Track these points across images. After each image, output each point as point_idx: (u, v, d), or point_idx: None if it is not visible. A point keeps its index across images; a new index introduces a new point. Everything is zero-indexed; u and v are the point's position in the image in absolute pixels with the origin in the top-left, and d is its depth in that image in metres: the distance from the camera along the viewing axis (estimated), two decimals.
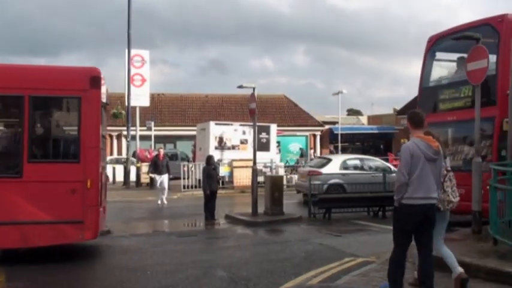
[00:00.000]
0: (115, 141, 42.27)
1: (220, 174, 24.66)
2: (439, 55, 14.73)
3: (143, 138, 31.45)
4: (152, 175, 20.65)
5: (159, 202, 18.75)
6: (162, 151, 19.73)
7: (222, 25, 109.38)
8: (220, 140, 26.30)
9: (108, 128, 41.50)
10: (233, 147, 26.56)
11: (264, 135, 27.03)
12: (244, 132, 26.88)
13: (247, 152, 24.89)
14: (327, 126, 45.60)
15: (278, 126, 32.14)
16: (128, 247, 10.92)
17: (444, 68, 14.77)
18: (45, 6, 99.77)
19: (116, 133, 41.98)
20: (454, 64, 14.09)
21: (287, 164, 31.07)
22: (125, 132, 31.23)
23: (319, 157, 23.33)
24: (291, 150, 41.07)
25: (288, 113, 45.88)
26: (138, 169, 26.83)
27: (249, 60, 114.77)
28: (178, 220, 15.32)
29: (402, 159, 6.01)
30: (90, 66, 9.94)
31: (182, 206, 18.49)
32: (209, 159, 15.64)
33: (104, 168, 11.01)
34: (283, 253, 10.06)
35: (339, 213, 15.19)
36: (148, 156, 27.33)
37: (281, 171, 25.59)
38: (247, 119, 25.30)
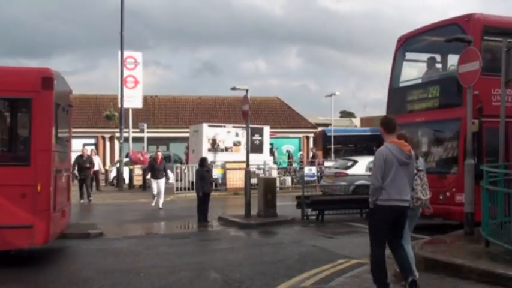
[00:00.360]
0: (108, 143, 42.16)
1: (213, 176, 24.68)
2: (409, 55, 14.59)
3: (136, 140, 31.36)
4: (148, 179, 19.80)
5: (153, 204, 18.14)
6: (160, 154, 18.74)
7: (215, 27, 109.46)
8: (213, 142, 26.28)
9: (101, 130, 41.63)
10: (226, 149, 26.54)
11: (257, 137, 27.03)
12: (237, 134, 26.87)
13: (240, 154, 24.89)
14: (320, 128, 45.67)
15: (271, 128, 32.17)
16: (121, 249, 10.88)
17: (414, 68, 14.63)
18: (37, 8, 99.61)
19: (108, 135, 41.89)
20: (424, 64, 13.98)
21: (280, 166, 31.07)
22: (117, 134, 31.14)
23: (344, 158, 23.28)
24: (284, 153, 41.06)
25: (281, 115, 45.92)
26: (131, 171, 26.75)
27: (242, 62, 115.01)
28: (171, 222, 15.29)
29: (376, 164, 6.32)
30: (42, 67, 9.65)
31: (175, 208, 18.46)
32: (203, 161, 15.54)
33: (64, 171, 10.54)
34: (276, 255, 10.06)
35: (332, 215, 15.22)
36: (141, 158, 27.24)
37: (274, 173, 25.59)
38: (241, 121, 25.30)
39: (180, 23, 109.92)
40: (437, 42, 13.99)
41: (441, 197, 11.78)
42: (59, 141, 9.93)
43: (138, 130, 32.03)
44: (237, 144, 26.77)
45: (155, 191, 18.03)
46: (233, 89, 16.29)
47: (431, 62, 13.77)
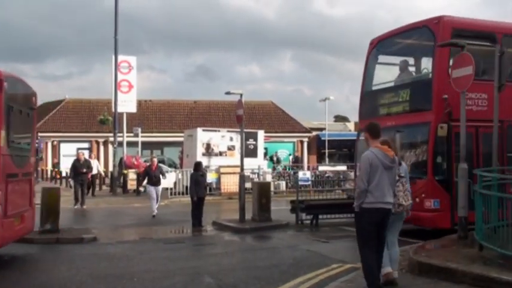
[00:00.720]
0: (102, 148, 42.06)
1: (207, 181, 24.64)
2: (382, 58, 14.45)
3: (130, 144, 31.30)
4: (144, 186, 18.73)
5: (154, 213, 17.01)
6: (155, 160, 17.93)
7: (209, 31, 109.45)
8: (208, 147, 26.26)
9: (95, 134, 41.55)
10: (220, 154, 26.53)
11: (251, 141, 27.04)
12: (231, 139, 26.87)
13: (234, 159, 24.88)
14: (314, 133, 45.74)
15: (265, 132, 32.19)
16: (114, 254, 10.84)
17: (387, 71, 14.43)
18: (31, 12, 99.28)
19: (102, 139, 41.80)
20: (397, 68, 13.78)
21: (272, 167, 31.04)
22: (111, 139, 31.06)
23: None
24: (278, 157, 41.08)
25: (276, 120, 45.97)
26: (125, 176, 26.67)
27: (236, 66, 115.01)
28: (165, 227, 15.24)
29: (362, 168, 6.57)
30: None
31: (169, 212, 18.41)
32: (197, 165, 15.50)
33: (22, 175, 10.22)
34: (271, 260, 10.05)
35: (326, 219, 15.21)
36: (135, 163, 27.17)
37: (268, 178, 25.59)
38: (235, 126, 25.30)
39: (174, 27, 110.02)
40: (410, 44, 13.96)
41: None
42: (13, 145, 9.66)
43: (132, 134, 31.96)
44: (231, 148, 26.77)
45: (153, 195, 17.17)
46: (227, 93, 16.30)
47: (403, 65, 13.59)
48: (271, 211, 15.10)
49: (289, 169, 32.69)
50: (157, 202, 17.34)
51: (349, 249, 11.17)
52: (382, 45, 13.91)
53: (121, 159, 28.32)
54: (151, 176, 17.23)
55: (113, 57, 28.03)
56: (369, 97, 14.00)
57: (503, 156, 11.64)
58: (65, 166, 38.08)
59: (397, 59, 14.02)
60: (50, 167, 38.63)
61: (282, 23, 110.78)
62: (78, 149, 41.81)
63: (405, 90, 12.70)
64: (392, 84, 13.59)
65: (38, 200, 12.21)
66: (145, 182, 18.10)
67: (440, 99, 11.49)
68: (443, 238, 9.77)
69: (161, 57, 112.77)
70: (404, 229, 7.89)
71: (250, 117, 41.01)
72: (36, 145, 39.23)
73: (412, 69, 13.71)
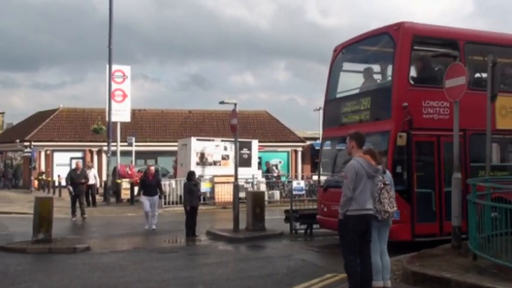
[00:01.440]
0: (95, 157, 41.94)
1: (201, 190, 24.58)
2: (346, 66, 14.10)
3: (124, 153, 31.24)
4: (140, 197, 17.10)
5: (147, 227, 15.98)
6: (152, 169, 16.69)
7: (203, 40, 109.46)
8: (202, 156, 26.23)
9: (89, 143, 41.45)
10: (214, 163, 26.50)
11: (245, 150, 27.04)
12: (225, 148, 26.86)
13: (228, 168, 24.86)
14: (308, 142, 45.77)
15: (259, 142, 32.20)
16: (108, 264, 10.78)
17: (351, 79, 14.00)
18: (24, 21, 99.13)
19: (96, 149, 41.69)
20: (361, 75, 13.33)
21: (268, 180, 31.00)
22: (105, 148, 31.00)
23: None
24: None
25: (270, 129, 46.02)
26: (119, 185, 26.60)
27: (230, 75, 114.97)
28: (159, 236, 15.19)
29: (349, 177, 6.79)
30: None
31: (163, 222, 18.33)
32: (190, 175, 15.29)
33: None
34: (265, 269, 10.02)
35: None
36: (129, 172, 27.11)
37: (263, 187, 25.57)
38: (229, 135, 25.31)
39: (167, 37, 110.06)
40: (374, 51, 13.70)
41: None
42: None
43: (126, 144, 31.92)
44: (225, 158, 26.75)
45: (147, 207, 15.89)
46: (222, 102, 16.31)
47: (367, 73, 13.20)
48: (265, 220, 15.08)
49: (285, 178, 32.64)
50: (154, 214, 16.11)
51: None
52: (346, 52, 13.55)
53: (115, 168, 28.26)
54: (146, 185, 16.15)
55: (107, 66, 28.05)
56: (332, 105, 13.61)
57: (467, 165, 11.52)
58: (59, 175, 38.07)
59: (362, 67, 13.64)
60: (43, 176, 38.41)
61: (275, 33, 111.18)
62: (72, 158, 42.07)
63: (366, 98, 12.38)
64: (354, 92, 13.21)
65: (31, 209, 12.19)
66: (140, 192, 16.57)
67: (399, 107, 11.17)
68: (437, 248, 9.77)
69: (155, 67, 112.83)
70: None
71: (244, 127, 41.03)
72: (30, 154, 39.48)
73: (378, 76, 13.33)
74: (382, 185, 7.23)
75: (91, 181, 22.42)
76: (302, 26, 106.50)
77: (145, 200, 15.96)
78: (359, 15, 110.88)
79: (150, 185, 16.17)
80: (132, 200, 24.45)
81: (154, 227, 15.88)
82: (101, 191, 28.70)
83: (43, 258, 11.41)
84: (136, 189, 26.29)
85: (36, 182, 38.96)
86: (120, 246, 13.59)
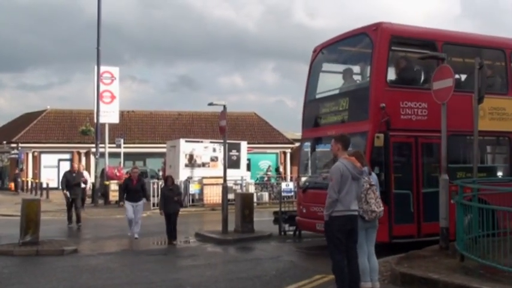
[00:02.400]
0: (83, 159, 41.75)
1: (190, 192, 24.56)
2: (326, 66, 13.99)
3: (112, 155, 31.12)
4: (123, 203, 15.94)
5: (129, 234, 14.71)
6: (136, 172, 15.18)
7: (190, 42, 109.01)
8: (191, 158, 26.20)
9: (77, 145, 41.27)
10: (203, 165, 26.48)
11: (234, 152, 27.04)
12: (214, 150, 26.85)
13: (217, 169, 24.83)
14: (297, 144, 45.85)
15: (248, 143, 32.22)
16: (96, 266, 10.73)
17: (330, 80, 13.86)
18: (11, 22, 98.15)
19: (84, 150, 41.52)
20: (340, 76, 13.19)
21: (257, 182, 31.09)
22: (93, 150, 30.87)
23: None
24: (261, 168, 41.12)
25: (259, 131, 46.09)
26: (107, 187, 26.49)
27: (218, 76, 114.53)
28: (147, 238, 15.11)
29: (334, 178, 6.91)
30: None
31: (151, 224, 18.27)
32: (166, 179, 14.65)
33: None
34: (254, 271, 10.02)
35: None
36: (118, 174, 27.00)
37: (251, 189, 25.58)
38: (218, 137, 25.29)
39: (155, 38, 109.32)
40: (353, 52, 13.65)
41: None
42: None
43: (114, 145, 31.79)
44: (214, 159, 26.74)
45: (130, 214, 14.45)
46: (211, 104, 16.28)
47: (347, 74, 13.07)
48: (254, 222, 15.08)
49: (275, 180, 32.68)
50: (137, 222, 14.65)
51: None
52: (326, 52, 13.46)
53: (103, 170, 28.14)
54: (130, 190, 14.65)
55: (95, 67, 27.94)
56: (312, 106, 13.51)
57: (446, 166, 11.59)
58: (46, 177, 37.90)
59: (341, 67, 13.50)
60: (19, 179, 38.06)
61: (262, 34, 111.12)
62: (60, 160, 41.86)
63: (344, 99, 12.32)
64: (333, 93, 13.12)
65: (18, 211, 12.10)
66: (123, 197, 15.53)
67: (377, 108, 11.12)
68: (424, 249, 9.83)
69: (142, 68, 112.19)
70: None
71: (233, 128, 41.02)
72: (17, 156, 39.20)
73: (358, 77, 13.21)
74: (368, 186, 7.38)
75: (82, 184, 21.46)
76: (290, 27, 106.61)
77: (128, 206, 14.51)
78: (347, 17, 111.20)
79: (134, 190, 14.64)
80: (120, 202, 24.34)
81: (136, 236, 14.32)
82: (89, 192, 28.55)
83: (30, 261, 11.33)
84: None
85: (12, 184, 38.72)
86: (108, 248, 13.53)
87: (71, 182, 17.83)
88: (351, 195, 6.93)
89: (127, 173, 24.15)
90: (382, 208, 7.56)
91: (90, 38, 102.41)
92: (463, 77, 13.13)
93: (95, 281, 9.30)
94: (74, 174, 18.31)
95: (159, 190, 23.14)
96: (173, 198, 13.89)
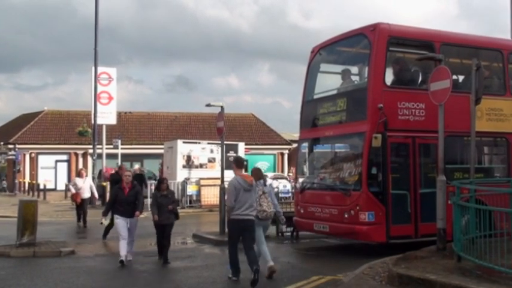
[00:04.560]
0: (80, 160, 41.70)
1: (188, 193, 24.54)
2: (324, 67, 13.97)
3: (110, 156, 31.07)
4: (105, 221, 12.84)
5: (122, 256, 10.81)
6: (129, 175, 11.76)
7: (186, 42, 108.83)
8: (188, 159, 26.19)
9: (74, 146, 41.22)
10: (201, 166, 26.47)
11: (232, 153, 27.00)
12: (212, 151, 26.85)
13: (215, 171, 24.83)
14: (294, 145, 45.86)
15: (246, 144, 32.22)
16: (93, 268, 10.71)
17: (328, 80, 13.85)
18: (5, 22, 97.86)
19: (81, 151, 41.47)
20: (339, 76, 13.21)
21: None
22: (90, 151, 30.84)
23: None
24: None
25: (256, 132, 46.09)
26: (104, 188, 26.44)
27: (214, 78, 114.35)
28: (144, 239, 15.05)
29: (230, 191, 9.06)
30: None
31: (149, 225, 18.17)
32: (159, 183, 11.68)
33: None
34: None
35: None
36: None
37: None
38: (215, 138, 25.27)
39: (150, 38, 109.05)
40: (351, 53, 13.67)
41: (346, 216, 11.34)
42: None
43: (111, 146, 31.75)
44: (211, 160, 26.74)
45: (124, 233, 11.05)
46: (208, 105, 16.29)
47: (345, 74, 13.08)
48: None
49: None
50: (132, 240, 11.40)
51: (329, 261, 11.22)
52: (324, 53, 13.47)
53: (100, 171, 28.11)
54: (122, 201, 11.19)
55: (93, 68, 27.90)
56: (310, 106, 13.51)
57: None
58: (43, 178, 37.84)
59: (339, 68, 13.48)
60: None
61: (257, 35, 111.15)
62: (57, 161, 41.80)
63: (342, 99, 12.35)
64: (331, 93, 13.14)
65: (15, 212, 12.06)
66: (107, 212, 11.72)
67: (375, 108, 11.15)
68: (422, 250, 9.84)
69: (138, 68, 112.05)
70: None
71: (230, 130, 41.03)
72: (14, 157, 39.16)
73: (356, 78, 13.23)
74: (261, 193, 9.58)
75: (86, 194, 17.81)
76: (285, 28, 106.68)
77: (120, 222, 11.13)
78: (342, 18, 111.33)
79: (126, 201, 11.19)
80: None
81: (130, 257, 11.14)
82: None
83: (27, 262, 11.30)
84: None
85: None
86: (105, 250, 13.50)
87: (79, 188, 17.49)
88: (244, 203, 8.93)
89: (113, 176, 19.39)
90: (272, 210, 9.71)
91: (85, 38, 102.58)
92: (461, 77, 13.16)
93: (92, 282, 9.28)
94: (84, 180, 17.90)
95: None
96: (167, 207, 11.17)
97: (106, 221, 11.83)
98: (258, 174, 9.81)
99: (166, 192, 11.48)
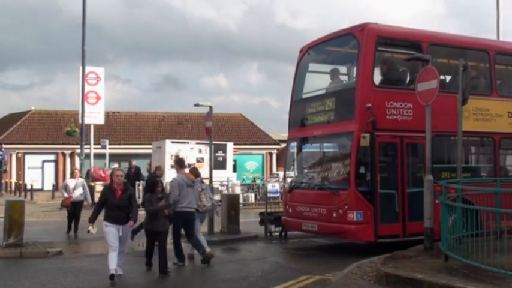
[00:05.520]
0: (68, 160, 41.45)
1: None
2: (312, 66, 14.01)
3: (97, 156, 30.92)
4: (92, 229, 9.52)
5: (113, 271, 9.14)
6: (121, 177, 9.59)
7: (174, 42, 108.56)
8: None
9: (62, 146, 40.95)
10: (189, 166, 26.35)
11: (220, 153, 27.01)
12: (200, 151, 26.80)
13: (203, 171, 24.67)
14: (283, 145, 45.92)
15: (234, 144, 32.20)
16: (81, 268, 10.65)
17: (317, 80, 13.87)
18: None
19: (69, 151, 41.22)
20: (328, 76, 13.23)
21: (243, 183, 31.07)
22: (78, 151, 30.67)
23: None
24: (247, 169, 41.10)
25: (245, 132, 46.08)
26: (92, 188, 26.28)
27: (202, 77, 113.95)
28: (133, 240, 15.02)
29: (175, 186, 10.60)
30: None
31: (138, 225, 18.17)
32: (153, 185, 10.67)
33: None
34: (240, 272, 10.02)
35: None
36: (103, 175, 26.84)
37: (237, 190, 25.55)
38: (204, 138, 25.23)
39: (137, 38, 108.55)
40: (339, 52, 13.72)
41: (334, 215, 11.39)
42: None
43: (99, 146, 31.59)
44: (200, 160, 26.67)
45: (114, 242, 9.33)
46: (197, 105, 16.26)
47: (334, 74, 13.11)
48: (240, 223, 15.07)
49: (261, 181, 32.68)
50: (122, 251, 9.66)
51: (317, 260, 11.24)
52: (312, 52, 13.50)
53: (88, 171, 27.95)
54: (113, 206, 9.38)
55: (80, 68, 27.73)
56: (298, 106, 13.55)
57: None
58: (30, 178, 37.55)
59: (328, 67, 13.52)
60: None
61: (245, 35, 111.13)
62: (44, 161, 41.50)
63: (331, 99, 12.39)
64: (319, 93, 13.18)
65: (1, 213, 11.96)
66: (94, 219, 9.59)
67: (363, 108, 11.20)
68: (409, 249, 9.89)
69: (126, 67, 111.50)
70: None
71: (219, 129, 41.00)
72: (0, 157, 38.82)
73: (344, 77, 13.28)
74: (201, 189, 11.14)
75: (78, 196, 15.54)
76: (272, 28, 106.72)
77: (110, 230, 9.36)
78: (330, 18, 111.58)
79: (117, 205, 9.41)
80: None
81: (120, 271, 9.46)
82: None
83: (14, 263, 11.20)
84: None
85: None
86: (93, 250, 13.40)
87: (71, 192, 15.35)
88: (187, 197, 10.51)
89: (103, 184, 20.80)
90: (210, 204, 11.31)
91: (71, 37, 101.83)
92: (448, 78, 13.25)
93: (79, 283, 9.23)
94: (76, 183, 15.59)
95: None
96: (163, 212, 10.10)
97: (94, 229, 9.43)
98: (195, 172, 11.41)
99: (162, 195, 10.53)
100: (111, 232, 9.31)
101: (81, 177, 15.93)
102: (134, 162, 22.17)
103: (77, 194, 15.44)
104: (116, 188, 9.45)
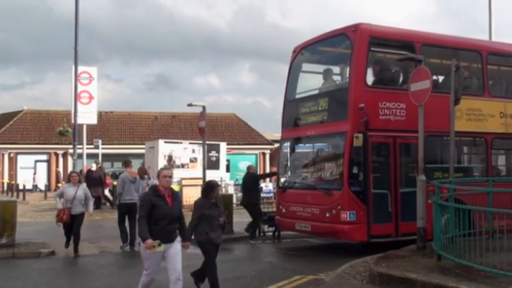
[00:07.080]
0: (61, 160, 41.29)
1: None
2: (305, 66, 14.04)
3: (90, 156, 30.81)
4: (159, 246, 7.19)
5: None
6: (166, 178, 7.29)
7: (165, 42, 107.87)
8: (170, 159, 26.05)
9: (54, 146, 40.77)
10: (182, 166, 26.36)
11: (213, 153, 26.97)
12: (193, 151, 26.75)
13: (196, 171, 24.76)
14: (276, 145, 45.94)
15: (228, 144, 32.17)
16: (73, 268, 10.63)
17: (310, 80, 13.92)
18: None
19: (61, 151, 41.06)
20: (321, 76, 13.26)
21: (237, 183, 31.06)
22: (71, 151, 30.50)
23: None
24: (240, 169, 41.07)
25: (238, 132, 46.06)
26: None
27: (194, 77, 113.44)
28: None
29: (119, 182, 13.09)
30: None
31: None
32: (210, 188, 8.71)
33: None
34: (233, 272, 10.01)
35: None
36: None
37: (231, 190, 25.55)
38: (197, 137, 25.21)
39: (129, 37, 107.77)
40: (332, 53, 13.77)
41: (328, 215, 11.45)
42: None
43: (92, 146, 31.47)
44: (193, 160, 26.64)
45: (152, 266, 7.77)
46: (190, 105, 16.25)
47: (327, 74, 13.14)
48: (233, 223, 15.06)
49: None
50: (178, 283, 7.75)
51: (311, 260, 11.26)
52: (305, 53, 13.52)
53: (81, 171, 27.83)
54: (164, 216, 7.37)
55: (73, 67, 27.60)
56: (291, 106, 13.57)
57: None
58: (22, 179, 37.37)
59: (321, 67, 13.56)
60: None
61: (236, 34, 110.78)
62: (36, 161, 41.32)
63: (324, 99, 12.42)
64: (313, 93, 13.21)
65: None
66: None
67: (356, 108, 11.22)
68: (402, 249, 9.93)
69: (117, 67, 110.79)
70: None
71: (212, 129, 40.95)
72: None
73: (337, 78, 13.33)
74: (146, 185, 12.73)
75: (78, 208, 12.40)
76: (264, 27, 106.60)
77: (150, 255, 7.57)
78: (322, 18, 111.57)
79: (171, 217, 7.54)
80: (99, 203, 24.11)
81: None
82: None
83: (6, 264, 11.15)
84: (107, 193, 25.75)
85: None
86: (86, 250, 13.33)
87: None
88: (129, 190, 12.76)
89: (105, 174, 23.32)
90: None
91: (62, 36, 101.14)
92: (441, 78, 13.30)
93: (72, 284, 9.20)
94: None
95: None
96: (218, 220, 8.89)
97: (160, 246, 7.18)
98: (143, 171, 13.95)
99: (216, 200, 8.65)
100: (155, 254, 7.21)
101: (80, 181, 13.34)
102: (94, 164, 20.38)
103: (78, 206, 12.34)
104: (163, 193, 7.20)
